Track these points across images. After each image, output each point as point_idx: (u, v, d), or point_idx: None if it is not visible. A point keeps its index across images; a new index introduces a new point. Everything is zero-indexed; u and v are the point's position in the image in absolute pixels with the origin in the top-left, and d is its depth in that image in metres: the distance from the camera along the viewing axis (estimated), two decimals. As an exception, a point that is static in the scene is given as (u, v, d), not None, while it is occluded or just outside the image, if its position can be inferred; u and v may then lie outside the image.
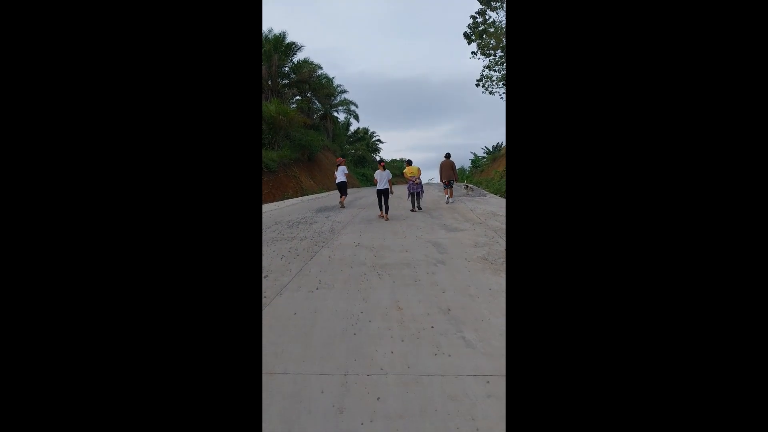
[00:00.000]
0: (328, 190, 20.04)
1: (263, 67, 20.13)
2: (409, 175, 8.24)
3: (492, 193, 12.43)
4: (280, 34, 20.96)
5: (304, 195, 16.41)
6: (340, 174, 9.18)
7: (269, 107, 17.74)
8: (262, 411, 1.07)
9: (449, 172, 9.21)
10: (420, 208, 8.09)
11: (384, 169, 7.56)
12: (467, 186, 11.91)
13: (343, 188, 9.27)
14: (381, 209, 7.18)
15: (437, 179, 9.73)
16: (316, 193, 18.02)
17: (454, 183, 9.38)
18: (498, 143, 30.24)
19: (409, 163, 8.68)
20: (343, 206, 9.13)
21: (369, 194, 13.76)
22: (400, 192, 12.81)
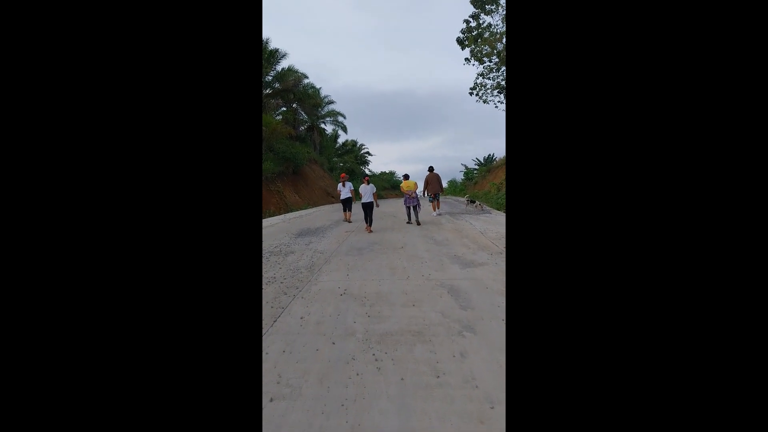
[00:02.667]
0: (315, 205, 18.67)
1: (244, 75, 18.85)
2: (405, 189, 8.30)
3: (495, 209, 11.23)
4: (264, 40, 19.78)
5: (288, 212, 15.00)
6: (345, 191, 9.11)
7: (250, 117, 16.39)
8: (262, 411, 1.03)
9: (435, 185, 9.41)
10: (419, 223, 7.97)
11: (368, 183, 7.88)
12: (471, 201, 10.60)
13: (348, 204, 9.19)
14: (366, 222, 7.44)
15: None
16: (301, 209, 16.62)
17: (441, 196, 9.80)
18: (490, 154, 29.40)
19: (406, 177, 8.56)
20: (349, 221, 9.16)
21: (358, 209, 12.43)
22: (393, 209, 11.60)
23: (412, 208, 8.10)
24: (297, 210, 15.72)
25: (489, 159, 28.84)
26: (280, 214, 14.23)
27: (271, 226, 8.90)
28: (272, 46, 20.06)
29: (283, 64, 20.98)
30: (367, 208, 7.52)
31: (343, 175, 9.52)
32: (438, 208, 9.64)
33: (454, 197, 19.96)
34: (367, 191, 7.72)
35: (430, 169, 9.63)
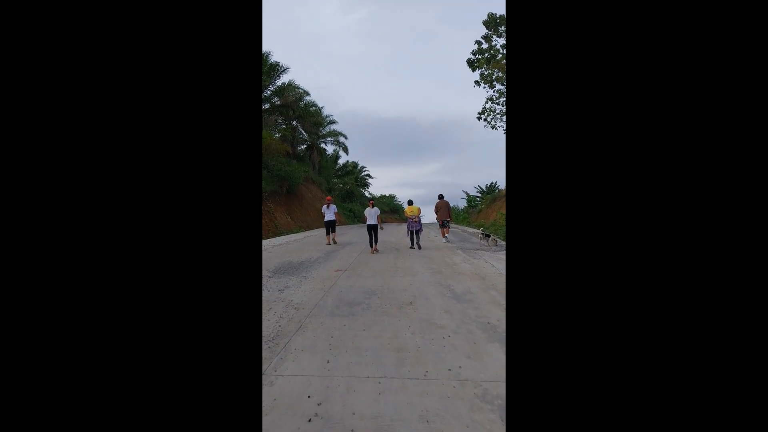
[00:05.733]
0: (309, 228, 17.20)
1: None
2: (409, 214, 8.51)
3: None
4: (264, 54, 18.89)
5: (277, 235, 13.52)
6: (330, 213, 9.37)
7: (243, 131, 15.17)
8: (262, 411, 1.01)
9: (444, 212, 9.68)
10: (420, 247, 8.38)
11: (373, 207, 8.35)
12: (486, 235, 9.16)
13: (331, 226, 9.47)
14: (371, 245, 7.99)
15: (426, 218, 10.34)
16: (292, 232, 15.14)
17: (450, 223, 10.09)
18: (493, 183, 28.16)
19: (410, 203, 8.77)
20: (332, 243, 9.37)
21: (356, 237, 10.97)
22: (395, 238, 10.19)
23: (414, 232, 8.40)
24: (287, 233, 14.24)
25: (492, 187, 27.65)
26: (268, 237, 12.74)
27: (249, 255, 7.40)
28: (273, 59, 19.13)
29: (284, 79, 20.06)
30: (372, 230, 8.05)
31: (328, 198, 9.80)
32: (447, 234, 9.83)
33: (460, 226, 18.49)
34: (371, 214, 8.18)
35: (440, 196, 9.78)
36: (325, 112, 26.05)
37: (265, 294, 4.30)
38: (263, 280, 5.05)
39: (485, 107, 18.07)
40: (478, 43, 16.36)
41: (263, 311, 3.62)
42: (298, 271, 5.67)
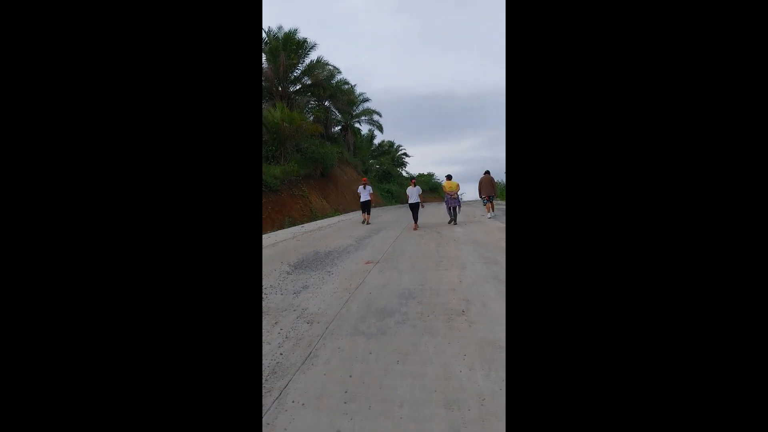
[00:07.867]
0: (344, 211, 16.51)
1: (268, 68, 17.11)
2: (447, 189, 8.58)
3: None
4: (291, 30, 17.96)
5: (312, 220, 12.93)
6: (365, 194, 9.68)
7: (273, 113, 14.56)
8: (262, 411, 0.93)
9: (489, 187, 9.45)
10: (456, 222, 8.54)
11: (415, 186, 8.43)
12: None
13: (366, 207, 9.79)
14: (415, 221, 8.13)
15: (467, 195, 9.55)
16: (328, 216, 14.50)
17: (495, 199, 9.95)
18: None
19: (449, 177, 8.76)
20: (367, 223, 9.66)
21: (393, 219, 10.03)
22: (435, 219, 9.07)
23: (452, 208, 8.54)
24: (322, 218, 13.61)
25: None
26: (302, 222, 12.18)
27: (273, 245, 6.66)
28: (301, 35, 18.15)
29: (312, 57, 19.08)
30: (414, 208, 8.26)
31: (363, 179, 10.16)
32: (492, 211, 9.56)
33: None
34: (413, 193, 8.33)
35: (486, 172, 9.68)
36: (358, 90, 24.95)
37: (277, 299, 3.45)
38: (278, 280, 4.22)
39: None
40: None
41: (267, 326, 2.77)
42: (323, 265, 4.81)
